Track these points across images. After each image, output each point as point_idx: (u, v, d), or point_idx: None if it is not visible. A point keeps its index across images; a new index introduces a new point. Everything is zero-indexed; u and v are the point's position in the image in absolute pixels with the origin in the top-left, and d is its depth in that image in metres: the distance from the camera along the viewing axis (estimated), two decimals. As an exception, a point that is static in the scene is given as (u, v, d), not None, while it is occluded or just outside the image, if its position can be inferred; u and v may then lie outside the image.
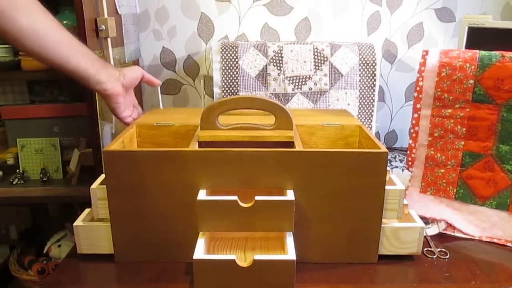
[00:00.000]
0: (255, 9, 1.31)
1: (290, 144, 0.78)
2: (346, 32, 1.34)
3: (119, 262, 0.75)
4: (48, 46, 0.70)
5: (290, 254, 0.63)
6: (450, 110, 0.86)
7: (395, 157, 1.22)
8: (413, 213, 0.78)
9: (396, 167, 1.13)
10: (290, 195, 0.69)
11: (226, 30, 1.33)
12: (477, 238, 0.84)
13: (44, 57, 0.73)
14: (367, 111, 1.14)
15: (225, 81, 1.10)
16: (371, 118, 1.15)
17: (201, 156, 0.70)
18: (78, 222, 0.75)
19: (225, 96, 1.10)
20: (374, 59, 1.12)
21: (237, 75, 1.10)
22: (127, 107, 0.89)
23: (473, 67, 0.82)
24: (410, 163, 0.91)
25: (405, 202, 0.75)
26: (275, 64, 1.11)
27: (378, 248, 0.74)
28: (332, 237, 0.74)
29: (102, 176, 0.78)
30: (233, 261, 0.62)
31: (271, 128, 0.82)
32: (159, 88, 1.16)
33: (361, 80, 1.12)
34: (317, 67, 1.11)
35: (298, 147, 0.74)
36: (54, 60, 0.74)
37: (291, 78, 1.11)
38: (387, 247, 0.75)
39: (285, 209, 0.67)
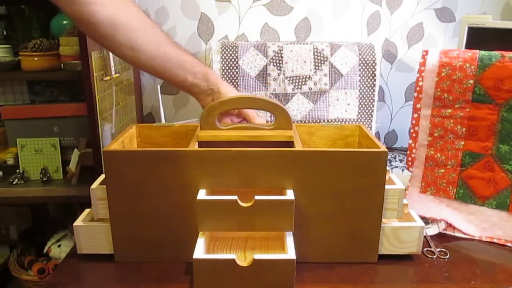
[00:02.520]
0: (255, 9, 1.31)
1: (290, 144, 0.78)
2: (346, 32, 1.34)
3: (119, 262, 0.75)
4: (142, 61, 0.77)
5: (290, 253, 0.63)
6: (450, 110, 0.86)
7: (395, 157, 1.22)
8: (413, 213, 0.78)
9: (396, 167, 1.13)
10: (290, 195, 0.69)
11: (226, 30, 1.33)
12: (477, 238, 0.84)
13: (141, 68, 0.82)
14: (367, 111, 1.14)
15: (225, 81, 1.10)
16: (371, 118, 1.15)
17: (201, 156, 0.70)
18: (78, 222, 0.75)
19: (225, 96, 1.10)
20: (374, 59, 1.12)
21: (237, 75, 1.10)
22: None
23: (473, 67, 0.82)
24: (410, 163, 0.91)
25: (405, 202, 0.75)
26: (275, 64, 1.11)
27: (378, 248, 0.74)
28: (332, 237, 0.74)
29: (102, 176, 0.78)
30: (233, 260, 0.62)
31: (270, 128, 0.82)
32: (159, 88, 1.16)
33: (361, 80, 1.12)
34: (317, 67, 1.11)
35: (298, 146, 0.74)
36: (149, 72, 0.82)
37: (291, 78, 1.11)
38: (387, 247, 0.75)
39: (285, 209, 0.67)
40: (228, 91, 0.82)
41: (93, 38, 0.75)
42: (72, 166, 1.22)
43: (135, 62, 0.78)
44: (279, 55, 1.11)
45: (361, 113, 1.14)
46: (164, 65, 0.78)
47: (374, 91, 1.13)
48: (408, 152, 0.91)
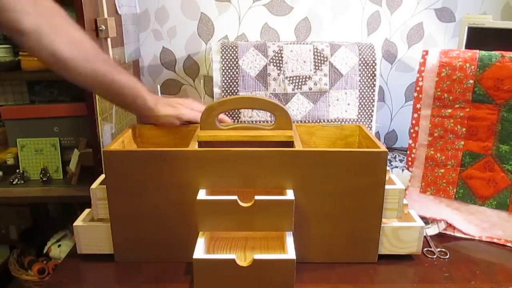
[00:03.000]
0: (255, 9, 1.31)
1: (290, 144, 0.78)
2: (346, 32, 1.34)
3: (119, 262, 0.75)
4: (69, 77, 0.74)
5: (290, 253, 0.63)
6: (450, 110, 0.86)
7: (395, 157, 1.22)
8: (413, 213, 0.78)
9: (396, 167, 1.13)
10: (289, 195, 0.69)
11: (226, 30, 1.33)
12: (477, 238, 0.84)
13: (74, 83, 0.78)
14: (367, 111, 1.14)
15: (225, 81, 1.10)
16: (371, 118, 1.15)
17: (201, 156, 0.70)
18: (78, 222, 0.75)
19: (225, 96, 1.10)
20: (374, 59, 1.12)
21: (237, 75, 1.10)
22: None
23: (473, 67, 0.82)
24: (410, 163, 0.91)
25: (405, 202, 0.75)
26: (275, 64, 1.11)
27: (378, 248, 0.74)
28: (332, 237, 0.74)
29: (102, 176, 0.78)
30: (233, 260, 0.62)
31: (270, 128, 0.82)
32: (159, 88, 1.16)
33: (361, 80, 1.12)
34: (317, 67, 1.11)
35: (298, 146, 0.74)
36: (83, 88, 0.80)
37: (291, 78, 1.11)
38: (387, 247, 0.75)
39: (284, 209, 0.67)
40: (163, 110, 0.83)
41: (22, 47, 0.72)
42: (72, 166, 1.22)
43: (65, 77, 0.74)
44: (279, 55, 1.11)
45: (361, 113, 1.14)
46: (92, 82, 0.77)
47: (374, 91, 1.13)
48: (408, 152, 0.91)
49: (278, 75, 1.11)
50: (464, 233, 0.85)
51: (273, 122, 0.82)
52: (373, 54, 1.13)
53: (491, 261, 0.77)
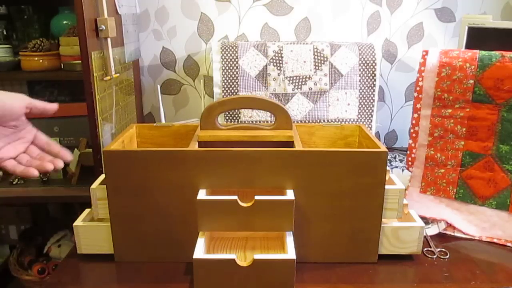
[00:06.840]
0: (255, 9, 1.31)
1: (290, 144, 0.78)
2: (346, 32, 1.34)
3: (119, 262, 0.75)
4: None
5: (290, 253, 0.63)
6: (450, 110, 0.86)
7: (395, 157, 1.22)
8: (413, 213, 0.78)
9: (396, 167, 1.13)
10: (290, 195, 0.69)
11: (226, 30, 1.33)
12: (477, 238, 0.84)
13: None
14: (367, 111, 1.14)
15: (225, 81, 1.10)
16: (371, 118, 1.15)
17: (201, 156, 0.70)
18: (78, 222, 0.75)
19: (225, 96, 1.10)
20: (374, 59, 1.12)
21: (237, 75, 1.10)
22: None
23: (473, 67, 0.82)
24: (410, 163, 0.91)
25: (405, 202, 0.75)
26: (275, 64, 1.11)
27: (378, 247, 0.74)
28: (332, 237, 0.74)
29: (102, 176, 0.78)
30: (233, 260, 0.62)
31: (270, 128, 0.82)
32: (159, 88, 1.16)
33: (361, 80, 1.12)
34: (317, 67, 1.11)
35: (298, 146, 0.74)
36: None
37: (291, 78, 1.11)
38: (387, 247, 0.75)
39: (285, 209, 0.67)
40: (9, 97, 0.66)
41: None
42: (72, 166, 1.22)
43: None
44: (279, 55, 1.11)
45: (361, 113, 1.14)
46: None
47: (374, 91, 1.13)
48: (408, 152, 0.91)
49: (278, 75, 1.11)
50: (464, 233, 0.85)
51: (273, 122, 0.82)
52: (373, 54, 1.13)
53: (491, 261, 0.77)
